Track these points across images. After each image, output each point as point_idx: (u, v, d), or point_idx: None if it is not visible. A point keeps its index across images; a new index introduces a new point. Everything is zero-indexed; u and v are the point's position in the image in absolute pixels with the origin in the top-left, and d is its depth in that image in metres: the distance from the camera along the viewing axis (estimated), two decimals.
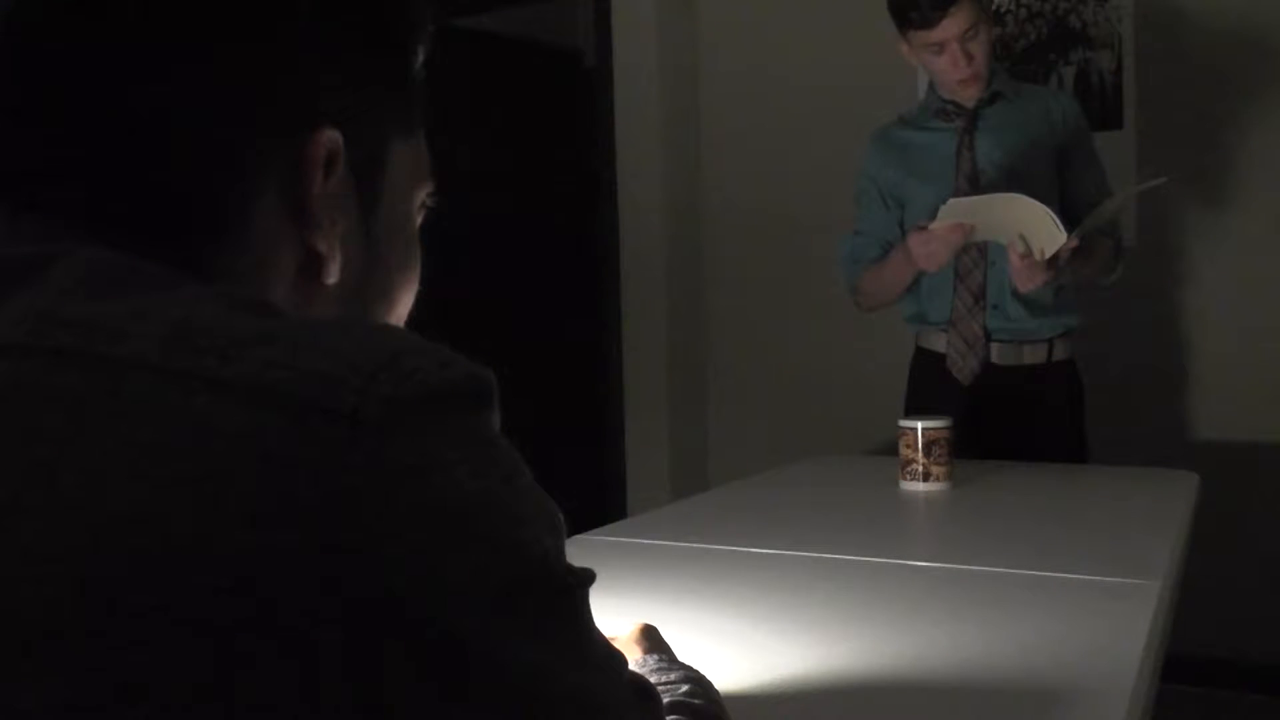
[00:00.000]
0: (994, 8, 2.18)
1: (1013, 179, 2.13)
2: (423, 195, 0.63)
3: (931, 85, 2.23)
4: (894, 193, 2.23)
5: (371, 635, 0.41)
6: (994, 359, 2.15)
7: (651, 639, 0.82)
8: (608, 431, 3.60)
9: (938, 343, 2.20)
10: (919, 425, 1.77)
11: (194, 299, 0.47)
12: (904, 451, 1.79)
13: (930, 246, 1.98)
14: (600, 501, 3.56)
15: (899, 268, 2.13)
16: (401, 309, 0.63)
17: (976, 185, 2.14)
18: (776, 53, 3.37)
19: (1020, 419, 2.15)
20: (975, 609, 1.12)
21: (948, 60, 2.07)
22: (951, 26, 2.03)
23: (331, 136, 0.54)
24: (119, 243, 0.49)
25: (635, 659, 0.76)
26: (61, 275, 0.47)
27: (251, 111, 0.52)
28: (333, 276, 0.56)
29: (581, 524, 1.50)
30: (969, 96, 2.15)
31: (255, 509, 0.40)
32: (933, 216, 2.14)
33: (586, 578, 0.49)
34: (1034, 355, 2.16)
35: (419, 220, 0.63)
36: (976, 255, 2.14)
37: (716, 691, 0.73)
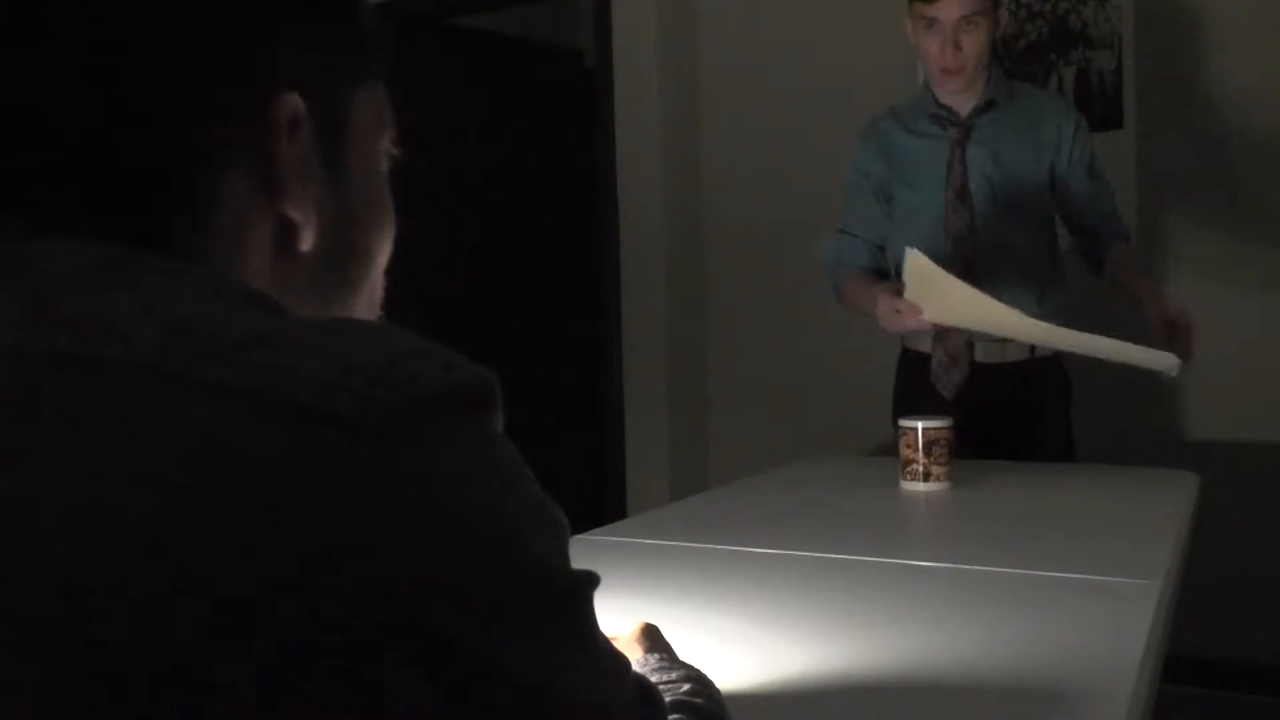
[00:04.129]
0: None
1: (1001, 196, 2.11)
2: (387, 143, 0.62)
3: (927, 84, 2.20)
4: (884, 189, 2.21)
5: (373, 639, 0.40)
6: (977, 357, 2.15)
7: (653, 638, 0.82)
8: (608, 432, 3.60)
9: (923, 344, 2.20)
10: (919, 425, 1.77)
11: (192, 294, 0.46)
12: (904, 451, 1.79)
13: (897, 318, 1.91)
14: (600, 501, 3.56)
15: (867, 305, 2.06)
16: (381, 260, 0.62)
17: (965, 199, 2.11)
18: (776, 53, 3.37)
19: (1005, 416, 2.15)
20: (975, 609, 1.12)
21: (937, 43, 2.04)
22: (952, 7, 2.00)
23: (292, 100, 0.53)
24: (94, 233, 0.49)
25: (636, 658, 0.76)
26: (52, 270, 0.46)
27: (210, 87, 0.51)
28: (308, 243, 0.55)
29: (581, 524, 1.50)
30: (951, 90, 2.11)
31: (256, 515, 0.40)
32: (917, 224, 2.14)
33: (590, 581, 0.48)
34: (1017, 353, 2.15)
35: (386, 169, 0.62)
36: (962, 270, 2.09)
37: (718, 690, 0.73)
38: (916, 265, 1.85)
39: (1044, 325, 1.88)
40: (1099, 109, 2.87)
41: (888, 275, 2.19)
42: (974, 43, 2.04)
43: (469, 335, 4.02)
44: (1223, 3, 2.80)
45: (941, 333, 2.13)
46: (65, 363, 0.43)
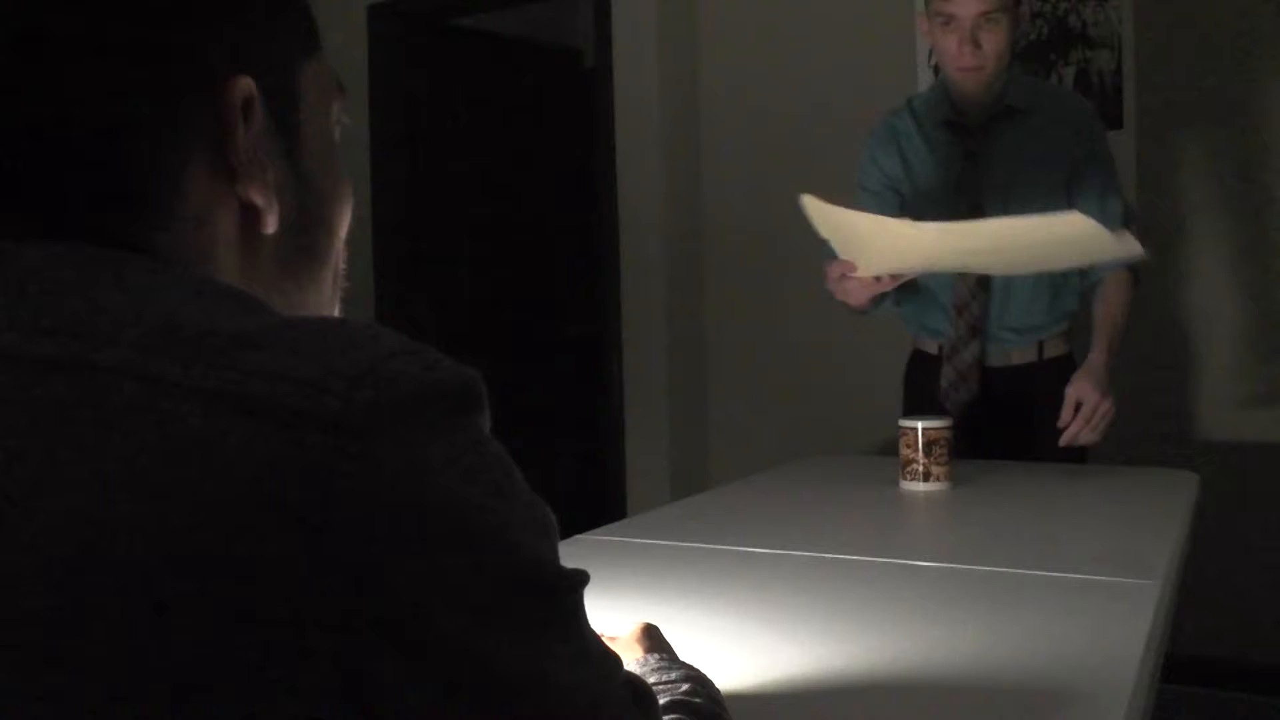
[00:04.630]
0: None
1: (1016, 210, 1.97)
2: (336, 110, 0.62)
3: (944, 85, 2.08)
4: (898, 187, 2.15)
5: (365, 638, 0.41)
6: (985, 362, 2.12)
7: (652, 638, 0.82)
8: (608, 431, 3.60)
9: (930, 345, 2.19)
10: (919, 425, 1.77)
11: (178, 295, 0.47)
12: (904, 451, 1.79)
13: (843, 284, 1.88)
14: (600, 501, 3.56)
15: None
16: (342, 230, 0.63)
17: (979, 214, 2.00)
18: (776, 52, 3.38)
19: (1015, 418, 2.11)
20: (975, 609, 1.12)
21: (954, 40, 1.92)
22: (971, 3, 1.89)
23: (244, 84, 0.53)
24: (77, 234, 0.49)
25: (636, 658, 0.76)
26: (42, 273, 0.47)
27: (164, 81, 0.52)
28: (272, 226, 0.56)
29: (581, 524, 1.50)
30: (970, 90, 2.00)
31: (247, 517, 0.40)
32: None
33: (579, 579, 0.49)
34: (1023, 356, 2.13)
35: (338, 137, 0.63)
36: (975, 285, 2.04)
37: (717, 690, 0.73)
38: (815, 210, 1.76)
39: (969, 226, 1.77)
40: (1099, 109, 2.87)
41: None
42: (994, 41, 1.92)
43: (469, 335, 4.03)
44: (1222, 2, 2.80)
45: (951, 349, 2.08)
46: (57, 367, 0.43)
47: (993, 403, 2.11)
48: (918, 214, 2.10)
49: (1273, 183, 2.79)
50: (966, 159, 2.06)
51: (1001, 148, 2.04)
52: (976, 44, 1.91)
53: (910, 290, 2.18)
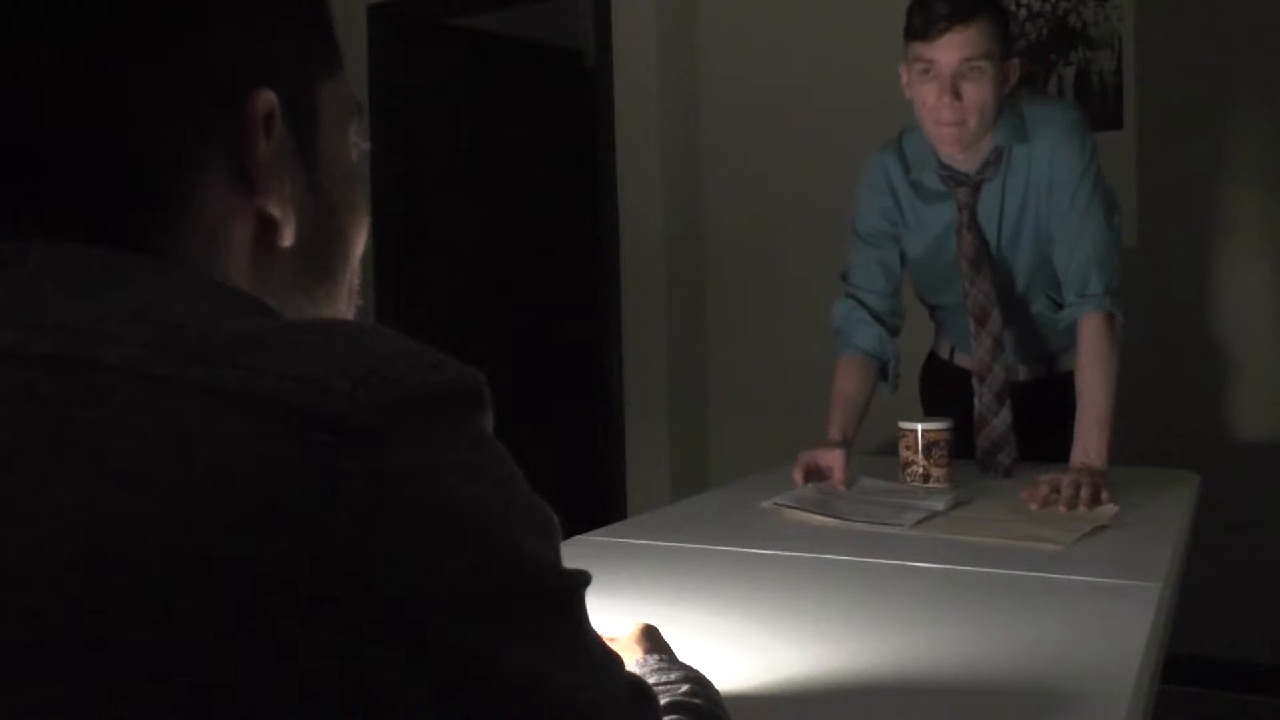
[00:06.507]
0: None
1: (1016, 257, 1.90)
2: (354, 129, 0.62)
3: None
4: (895, 237, 1.98)
5: (368, 639, 0.41)
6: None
7: (652, 639, 0.82)
8: (608, 431, 3.60)
9: (944, 350, 2.18)
10: (919, 426, 1.77)
11: (183, 296, 0.47)
12: (904, 452, 1.79)
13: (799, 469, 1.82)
14: (600, 501, 3.56)
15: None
16: (358, 248, 0.63)
17: (982, 269, 1.88)
18: (776, 53, 3.38)
19: (1038, 425, 1.98)
20: (975, 609, 1.12)
21: (933, 90, 1.73)
22: (952, 48, 1.70)
23: (266, 97, 0.54)
24: (84, 234, 0.49)
25: (636, 659, 0.76)
26: (47, 272, 0.47)
27: (189, 87, 0.52)
28: (288, 239, 0.56)
29: (581, 524, 1.50)
30: (949, 151, 1.82)
31: (251, 516, 0.40)
32: (935, 288, 2.00)
33: (581, 580, 0.49)
34: (1032, 373, 2.08)
35: (355, 156, 0.63)
36: (993, 348, 1.89)
37: (717, 691, 0.73)
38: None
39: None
40: (1099, 109, 2.87)
41: (887, 350, 2.00)
42: (977, 92, 1.73)
43: (470, 335, 4.03)
44: (1222, 2, 2.80)
45: (980, 419, 1.91)
46: (60, 365, 0.43)
47: (1019, 413, 1.96)
48: (913, 268, 2.02)
49: (1273, 183, 2.79)
50: (960, 209, 1.88)
51: (994, 194, 1.86)
52: (957, 94, 1.72)
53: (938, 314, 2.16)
